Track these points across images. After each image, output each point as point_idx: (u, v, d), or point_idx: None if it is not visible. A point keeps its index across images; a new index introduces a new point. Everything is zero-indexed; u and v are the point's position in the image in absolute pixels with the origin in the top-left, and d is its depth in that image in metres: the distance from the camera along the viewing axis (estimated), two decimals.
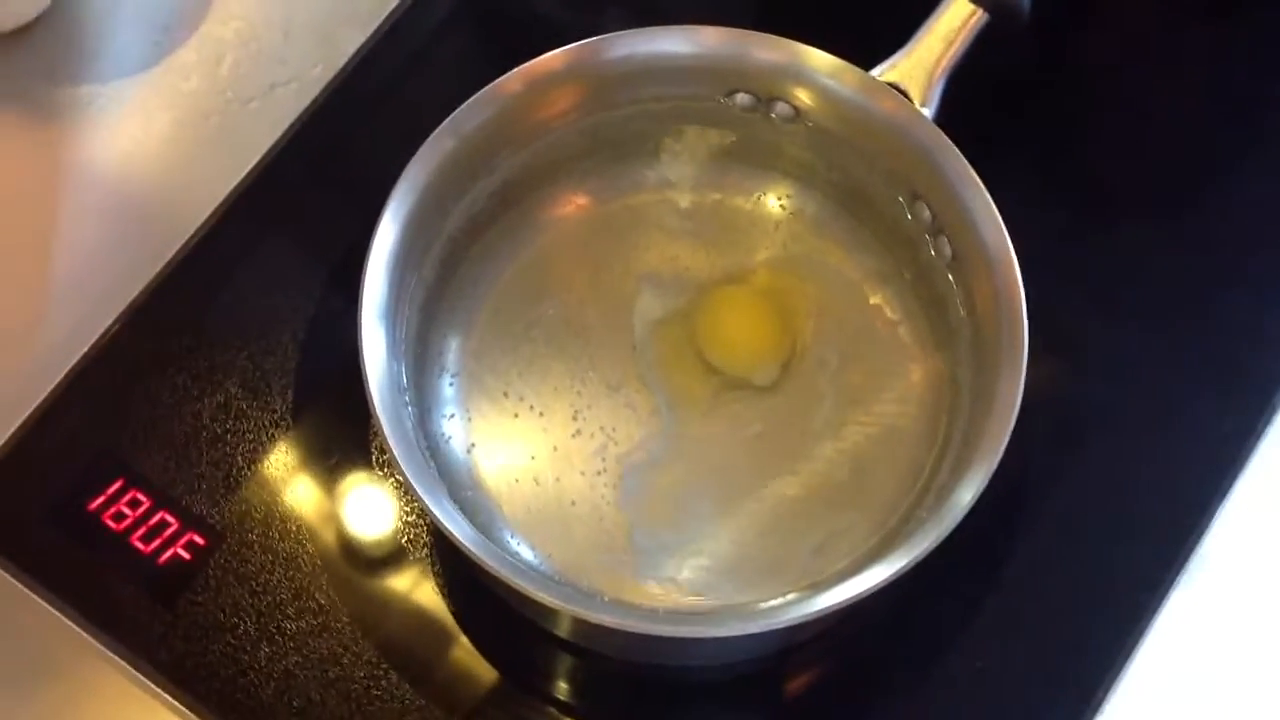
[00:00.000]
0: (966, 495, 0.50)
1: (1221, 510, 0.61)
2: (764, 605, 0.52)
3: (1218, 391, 0.62)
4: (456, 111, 0.56)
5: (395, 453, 0.50)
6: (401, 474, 0.50)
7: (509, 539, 0.57)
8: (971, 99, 0.57)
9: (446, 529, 0.50)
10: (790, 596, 0.52)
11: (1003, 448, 0.51)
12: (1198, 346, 0.63)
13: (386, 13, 0.69)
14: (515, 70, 0.56)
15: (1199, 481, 0.61)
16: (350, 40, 0.69)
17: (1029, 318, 0.53)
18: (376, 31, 0.69)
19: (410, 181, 0.54)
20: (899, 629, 0.59)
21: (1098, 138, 0.67)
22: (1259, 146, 0.67)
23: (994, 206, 0.54)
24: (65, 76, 0.68)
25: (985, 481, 0.50)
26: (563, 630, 0.56)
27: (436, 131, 0.55)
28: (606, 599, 0.53)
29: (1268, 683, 0.59)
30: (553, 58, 0.57)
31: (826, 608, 0.49)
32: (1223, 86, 0.69)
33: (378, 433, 0.51)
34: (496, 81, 0.56)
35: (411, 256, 0.56)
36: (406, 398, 0.55)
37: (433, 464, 0.53)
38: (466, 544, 0.50)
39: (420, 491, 0.50)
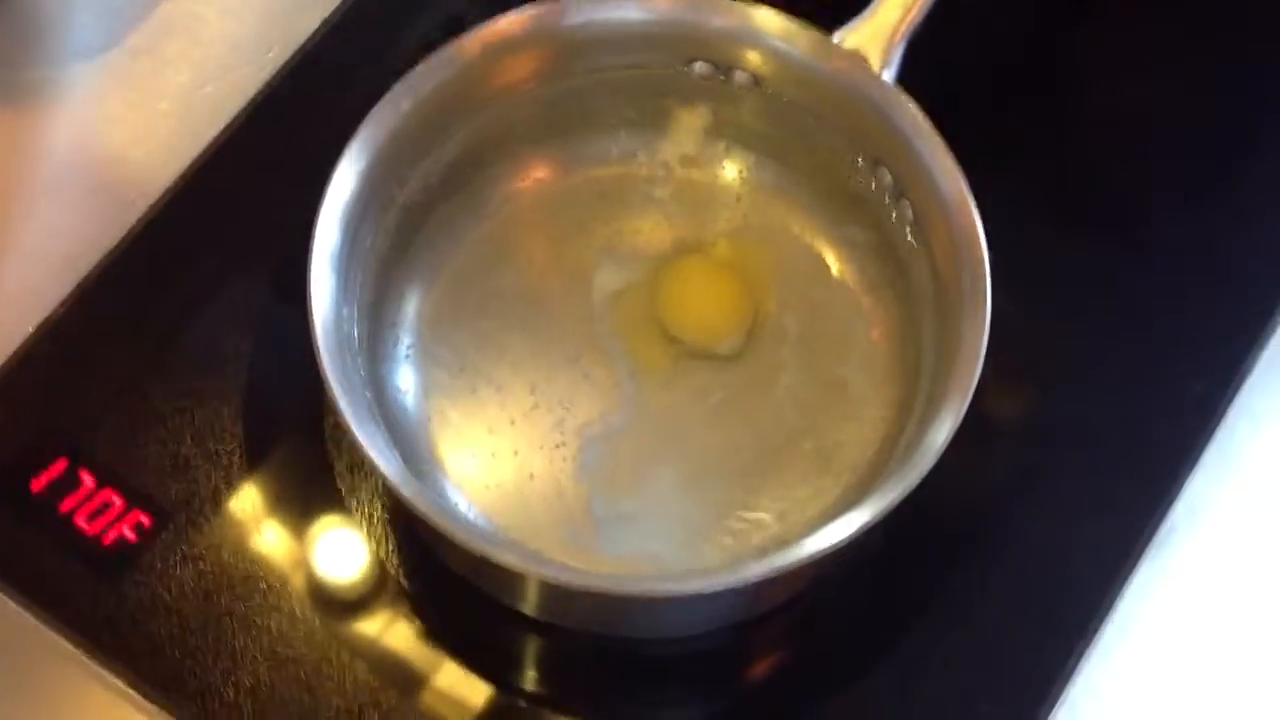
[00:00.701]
0: (939, 436, 0.49)
1: (1190, 481, 0.60)
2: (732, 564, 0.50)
3: (1185, 359, 0.61)
4: (412, 72, 0.55)
5: (340, 403, 0.49)
6: (347, 426, 0.49)
7: (466, 513, 0.55)
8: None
9: (399, 489, 0.49)
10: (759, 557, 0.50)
11: (971, 389, 0.50)
12: (1166, 305, 0.63)
13: None
14: (473, 31, 0.56)
15: (1167, 451, 0.60)
16: (306, 24, 0.68)
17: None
18: (332, 15, 0.68)
19: (364, 141, 0.53)
20: (868, 602, 0.58)
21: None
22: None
23: (952, 158, 0.54)
24: (20, 60, 0.67)
25: (955, 426, 0.49)
26: (526, 603, 0.55)
27: (392, 91, 0.54)
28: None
29: (1236, 651, 0.58)
30: (510, 21, 0.56)
31: (804, 557, 0.48)
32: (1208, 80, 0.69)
33: (326, 388, 0.50)
34: (454, 43, 0.56)
35: (365, 220, 0.54)
36: (361, 371, 0.54)
37: (384, 429, 0.52)
38: (422, 506, 0.49)
39: (369, 449, 0.49)
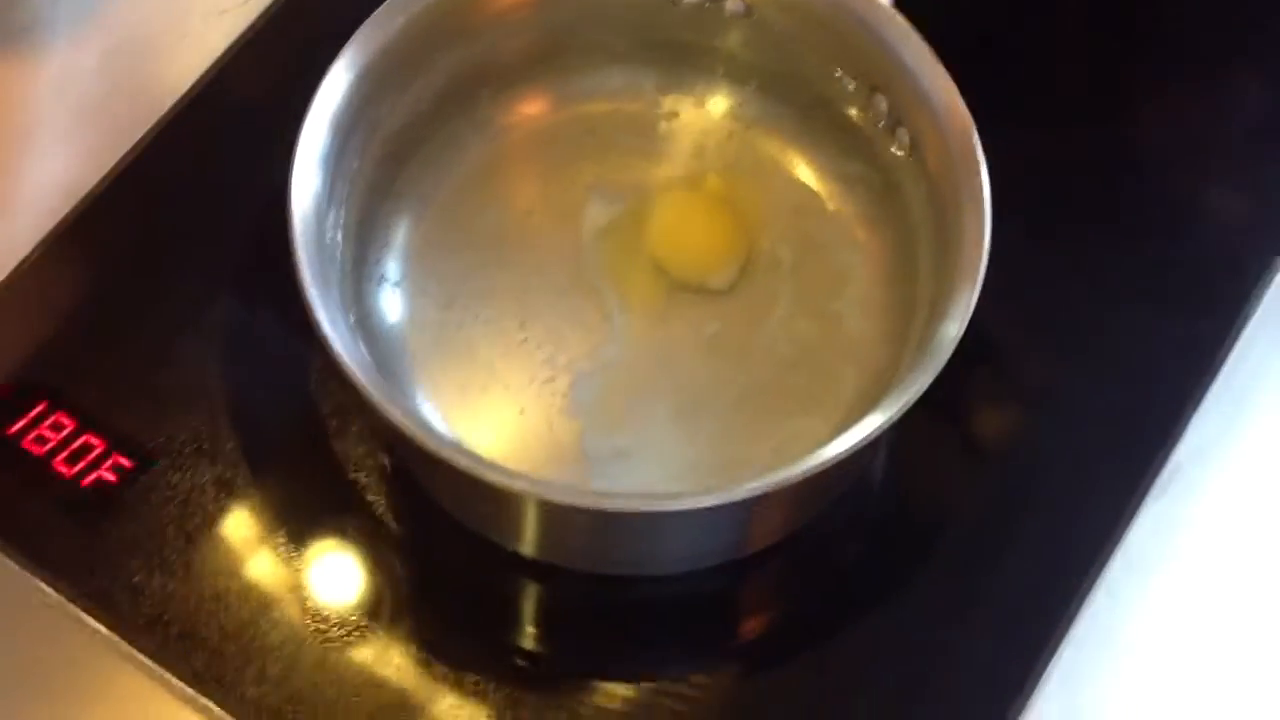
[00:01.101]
0: (951, 330, 0.48)
1: (1193, 420, 0.59)
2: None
3: (1188, 298, 0.60)
4: None
5: (315, 306, 0.47)
6: (321, 329, 0.47)
7: None
8: None
9: (383, 406, 0.47)
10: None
11: (978, 284, 0.49)
12: (1168, 244, 0.62)
13: None
14: None
15: (1170, 391, 0.59)
16: None
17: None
18: None
19: (356, 48, 0.52)
20: (866, 547, 0.57)
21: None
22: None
23: (950, 78, 0.53)
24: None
25: (964, 323, 0.48)
26: (520, 539, 0.53)
27: (386, 4, 0.53)
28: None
29: (1243, 591, 0.56)
30: None
31: (810, 468, 0.47)
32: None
33: (303, 299, 0.48)
34: None
35: (352, 137, 0.53)
36: (344, 296, 0.52)
37: (364, 349, 0.50)
38: (413, 428, 0.47)
39: (348, 363, 0.47)
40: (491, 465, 0.47)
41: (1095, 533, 0.57)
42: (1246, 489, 0.58)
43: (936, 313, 0.49)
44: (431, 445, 0.46)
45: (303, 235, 0.48)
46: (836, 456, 0.47)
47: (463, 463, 0.46)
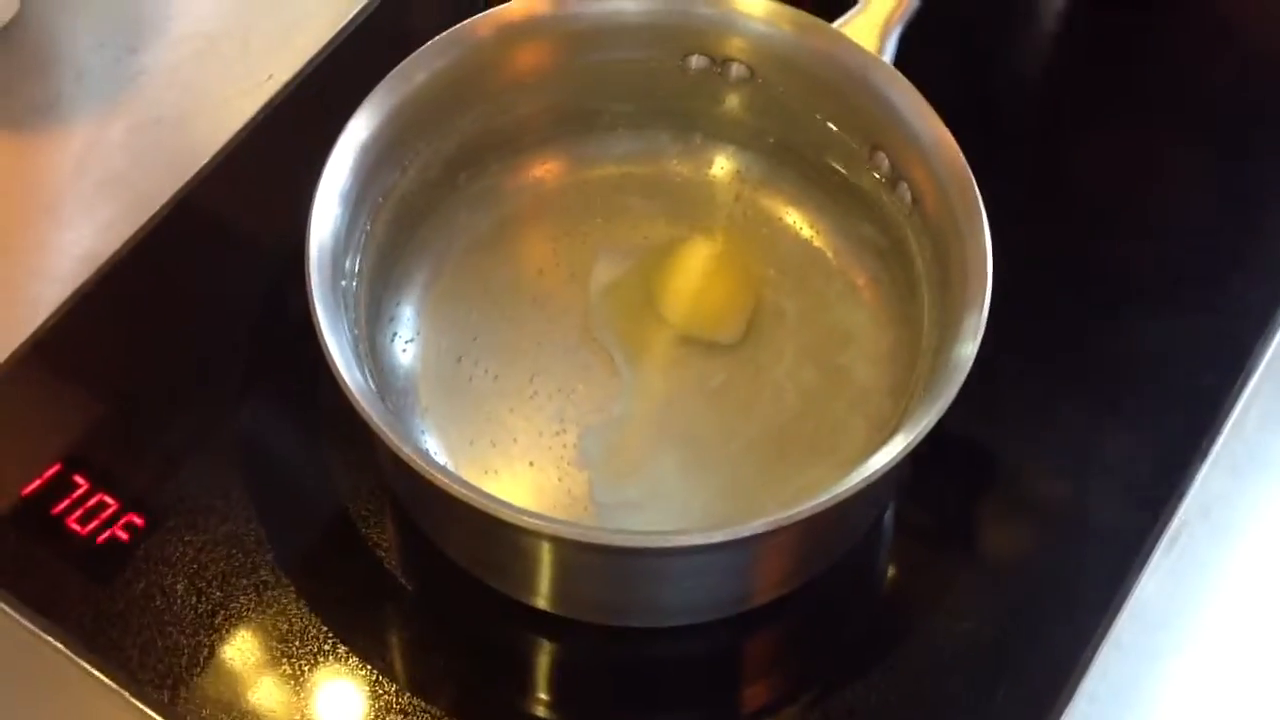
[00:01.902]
0: (966, 349, 0.48)
1: (1200, 474, 0.59)
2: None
3: (1193, 352, 0.61)
4: (423, 48, 0.55)
5: (327, 340, 0.48)
6: (334, 363, 0.48)
7: None
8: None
9: (396, 446, 0.48)
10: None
11: (985, 305, 0.50)
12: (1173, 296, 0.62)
13: (342, 24, 0.70)
14: (483, 15, 0.56)
15: (1177, 445, 0.59)
16: (305, 53, 0.69)
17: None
18: (330, 44, 0.69)
19: (374, 105, 0.54)
20: (874, 601, 0.57)
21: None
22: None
23: (949, 134, 0.54)
24: (24, 83, 0.68)
25: (976, 344, 0.49)
26: (529, 588, 0.54)
27: (402, 65, 0.55)
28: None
29: (1251, 644, 0.56)
30: (519, 6, 0.57)
31: (828, 500, 0.47)
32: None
33: (322, 347, 0.49)
34: (464, 24, 0.56)
35: (365, 200, 0.55)
36: (356, 353, 0.53)
37: (379, 399, 0.51)
38: (429, 469, 0.47)
39: (367, 409, 0.48)
40: (504, 502, 0.47)
41: (1104, 588, 0.56)
42: (1255, 541, 0.59)
43: (944, 348, 0.50)
44: (444, 481, 0.47)
45: (319, 282, 0.49)
46: (852, 488, 0.47)
47: (477, 499, 0.46)
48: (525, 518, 0.48)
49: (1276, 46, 0.71)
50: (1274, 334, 0.62)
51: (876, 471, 0.48)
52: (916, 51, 0.58)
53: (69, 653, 0.54)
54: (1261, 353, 0.61)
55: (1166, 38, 0.71)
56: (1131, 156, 0.67)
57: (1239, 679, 0.56)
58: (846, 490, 0.47)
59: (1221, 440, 0.59)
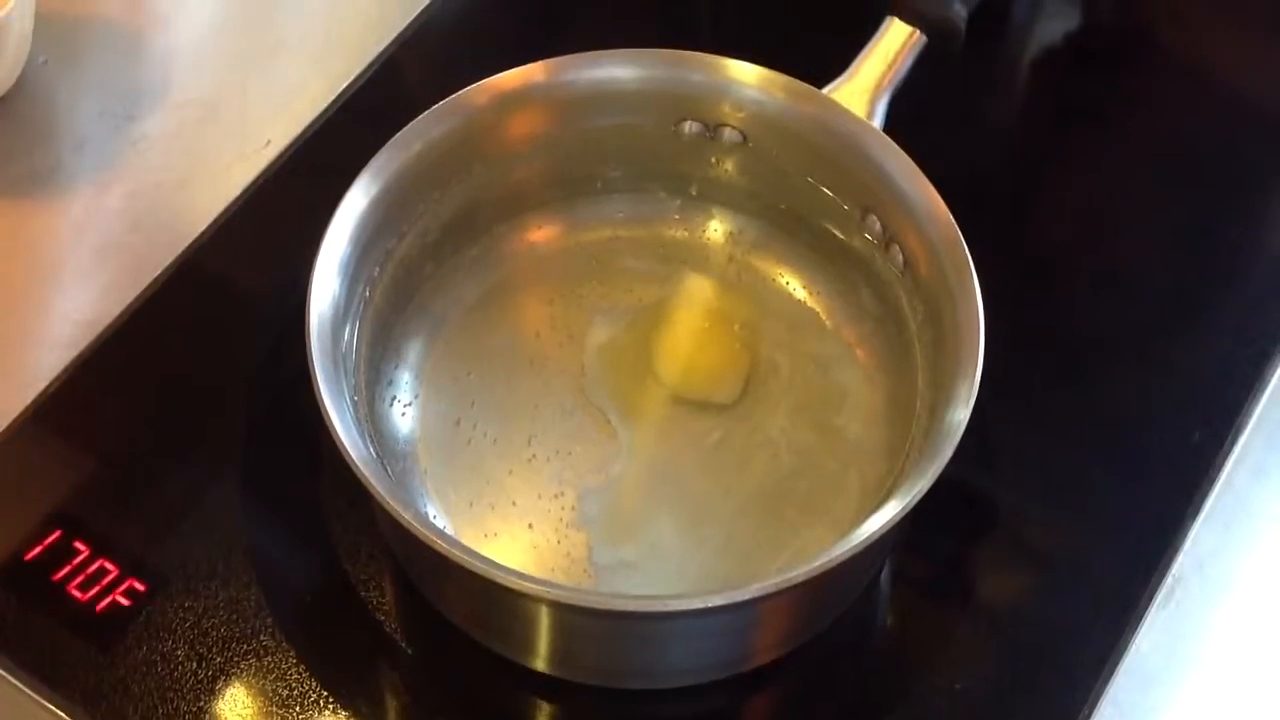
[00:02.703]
0: (958, 414, 0.49)
1: (1193, 532, 0.59)
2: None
3: (1181, 409, 0.62)
4: (420, 116, 0.56)
5: (325, 399, 0.49)
6: (330, 422, 0.49)
7: None
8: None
9: (397, 512, 0.48)
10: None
11: (979, 368, 0.50)
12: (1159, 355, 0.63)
13: (339, 90, 0.71)
14: (479, 84, 0.57)
15: (1168, 503, 0.60)
16: (303, 118, 0.70)
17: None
18: (328, 110, 0.70)
19: (375, 171, 0.55)
20: (878, 647, 0.57)
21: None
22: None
23: (939, 199, 0.55)
24: (24, 151, 0.69)
25: (969, 408, 0.50)
26: (529, 649, 0.54)
27: (401, 133, 0.56)
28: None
29: (1246, 700, 0.57)
30: (515, 74, 0.58)
31: (824, 564, 0.47)
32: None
33: (323, 415, 0.50)
34: (461, 92, 0.57)
35: (361, 272, 0.55)
36: (356, 418, 0.54)
37: (379, 463, 0.52)
38: (430, 535, 0.48)
39: (372, 481, 0.48)
40: (503, 567, 0.47)
41: (1100, 644, 0.57)
42: (1249, 595, 0.59)
43: (938, 409, 0.51)
44: (444, 547, 0.47)
45: (319, 348, 0.50)
46: (847, 553, 0.47)
47: (477, 565, 0.47)
48: (524, 583, 0.48)
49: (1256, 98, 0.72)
50: (1263, 390, 0.62)
51: (872, 535, 0.48)
52: (905, 115, 0.59)
53: (71, 718, 0.54)
54: (1251, 409, 0.62)
55: (1145, 92, 0.72)
56: (1122, 214, 0.68)
57: None
58: (843, 554, 0.47)
59: (1214, 495, 0.60)
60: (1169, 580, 0.58)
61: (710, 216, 0.62)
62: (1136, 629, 0.57)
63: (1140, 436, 0.61)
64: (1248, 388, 0.62)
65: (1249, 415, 0.62)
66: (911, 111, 0.59)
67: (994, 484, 0.60)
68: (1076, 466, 0.61)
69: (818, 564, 0.48)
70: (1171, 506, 0.60)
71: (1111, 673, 0.56)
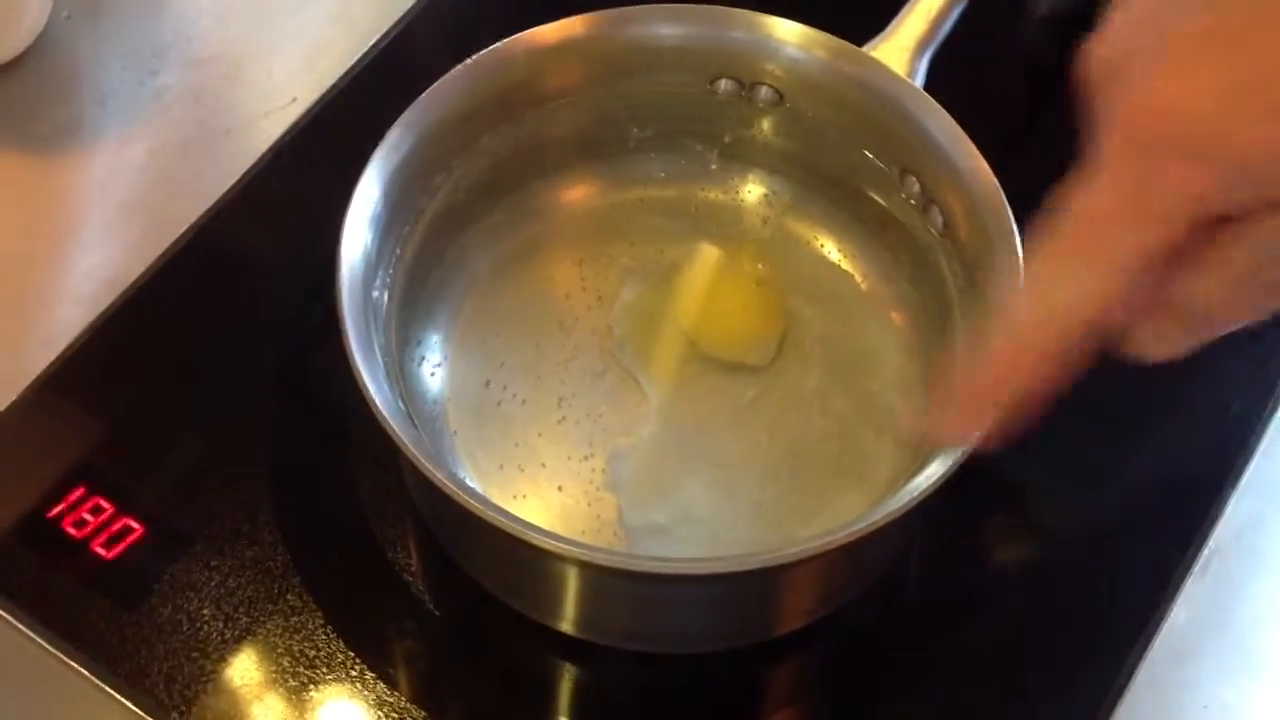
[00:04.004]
0: None
1: (1231, 502, 0.58)
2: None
3: (1220, 379, 0.61)
4: (458, 67, 0.55)
5: (356, 359, 0.48)
6: (360, 376, 0.48)
7: None
8: None
9: (429, 470, 0.47)
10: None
11: None
12: None
13: (366, 47, 0.70)
14: (516, 36, 0.56)
15: (1206, 473, 0.59)
16: (330, 75, 0.69)
17: None
18: (354, 67, 0.69)
19: (399, 136, 0.54)
20: (903, 631, 0.57)
21: None
22: None
23: (981, 159, 0.54)
24: (47, 107, 0.68)
25: None
26: (556, 612, 0.53)
27: (439, 82, 0.55)
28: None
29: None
30: (552, 28, 0.56)
31: (863, 528, 0.46)
32: None
33: (353, 370, 0.49)
34: (499, 44, 0.56)
35: (392, 228, 0.54)
36: (388, 376, 0.53)
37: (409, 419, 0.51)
38: (460, 494, 0.47)
39: (397, 430, 0.47)
40: (534, 526, 0.47)
41: (1136, 616, 0.56)
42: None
43: None
44: (475, 506, 0.46)
45: (350, 302, 0.49)
46: (887, 517, 0.46)
47: (508, 524, 0.46)
48: (554, 543, 0.47)
49: None
50: None
51: (913, 500, 0.47)
52: (944, 76, 0.58)
53: (94, 677, 0.54)
54: None
55: None
56: None
57: (1272, 706, 0.55)
58: (882, 518, 0.47)
59: (1252, 466, 0.59)
60: (1206, 552, 0.57)
61: (745, 178, 0.61)
62: (1173, 601, 0.56)
63: (1178, 406, 0.61)
64: None
65: None
66: (950, 68, 0.58)
67: (1027, 453, 0.59)
68: (1113, 437, 0.60)
69: (855, 529, 0.47)
70: (1209, 477, 0.59)
71: (1147, 645, 0.55)
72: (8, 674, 0.55)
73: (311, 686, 0.54)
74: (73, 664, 0.54)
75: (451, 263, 0.58)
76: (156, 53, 0.70)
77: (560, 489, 0.55)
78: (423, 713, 0.53)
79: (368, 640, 0.54)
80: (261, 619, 0.55)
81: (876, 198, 0.59)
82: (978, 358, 0.42)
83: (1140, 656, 0.55)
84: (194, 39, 0.70)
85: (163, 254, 0.63)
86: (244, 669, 0.54)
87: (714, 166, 0.61)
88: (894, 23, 0.58)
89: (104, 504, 0.57)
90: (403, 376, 0.55)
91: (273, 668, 0.54)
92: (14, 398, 0.59)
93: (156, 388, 0.60)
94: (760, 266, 0.60)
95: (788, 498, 0.55)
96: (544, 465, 0.55)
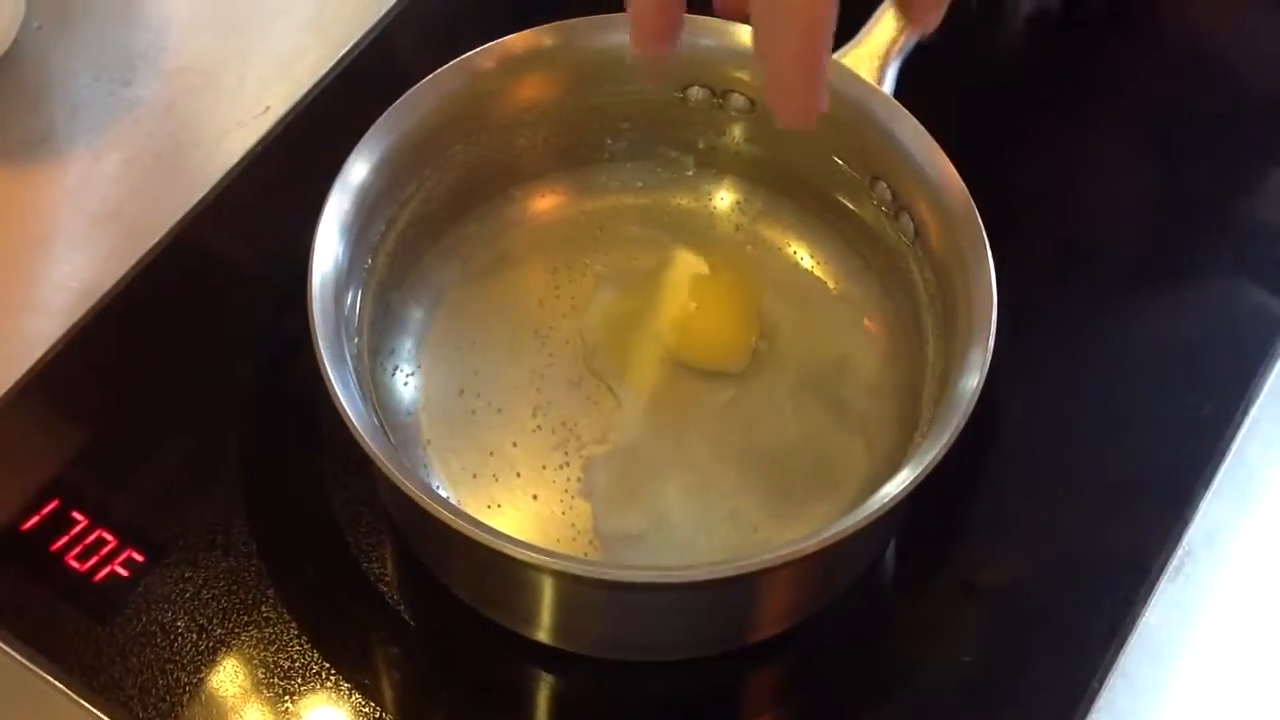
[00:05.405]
0: (970, 383, 0.48)
1: (1203, 505, 0.59)
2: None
3: (1192, 381, 0.61)
4: (427, 78, 0.55)
5: (326, 364, 0.48)
6: (333, 392, 0.48)
7: None
8: None
9: (400, 481, 0.47)
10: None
11: (988, 360, 0.50)
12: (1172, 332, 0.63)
13: (338, 56, 0.70)
14: (486, 47, 0.56)
15: (1178, 475, 0.59)
16: (301, 85, 0.69)
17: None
18: (325, 78, 0.69)
19: (370, 147, 0.54)
20: (884, 622, 0.57)
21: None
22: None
23: (952, 166, 0.54)
24: (18, 117, 0.68)
25: (983, 374, 0.49)
26: (531, 621, 0.53)
27: (407, 94, 0.55)
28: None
29: (1256, 673, 0.56)
30: (521, 38, 0.57)
31: (836, 534, 0.47)
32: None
33: (325, 382, 0.49)
34: (467, 55, 0.56)
35: (364, 238, 0.54)
36: (360, 386, 0.53)
37: (383, 433, 0.51)
38: (433, 504, 0.47)
39: (370, 444, 0.47)
40: (507, 537, 0.47)
41: (1110, 618, 0.56)
42: (1260, 568, 0.58)
43: (949, 377, 0.50)
44: (447, 516, 0.46)
45: (321, 311, 0.49)
46: (860, 523, 0.47)
47: (481, 535, 0.46)
48: (528, 553, 0.47)
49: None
50: (1274, 363, 0.62)
51: (884, 505, 0.47)
52: (915, 82, 0.58)
53: (68, 690, 0.54)
54: (1262, 381, 0.61)
55: (1157, 59, 0.71)
56: (1133, 183, 0.67)
57: (1246, 708, 0.56)
58: (855, 524, 0.47)
59: (1224, 468, 0.59)
60: (1179, 553, 0.58)
61: (717, 184, 0.61)
62: (1147, 602, 0.57)
63: (1150, 409, 0.61)
64: (1259, 360, 0.61)
65: (1259, 388, 0.61)
66: (920, 75, 0.58)
67: (1001, 457, 0.60)
68: (1086, 439, 0.60)
69: (829, 534, 0.47)
70: (1182, 479, 0.59)
71: (1121, 645, 0.56)
72: None
73: (287, 698, 0.53)
74: (47, 677, 0.54)
75: (424, 272, 0.58)
76: (128, 63, 0.70)
77: (535, 498, 0.55)
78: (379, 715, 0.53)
79: (343, 651, 0.54)
80: (236, 630, 0.55)
81: (848, 204, 0.59)
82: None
83: (1114, 659, 0.55)
84: (166, 49, 0.70)
85: (135, 265, 0.63)
86: (219, 681, 0.54)
87: (686, 174, 0.61)
88: (864, 30, 0.58)
89: (78, 517, 0.57)
90: (375, 386, 0.55)
91: (248, 679, 0.54)
92: None
93: (131, 399, 0.60)
94: (733, 273, 0.60)
95: (764, 505, 0.55)
96: (518, 474, 0.55)
